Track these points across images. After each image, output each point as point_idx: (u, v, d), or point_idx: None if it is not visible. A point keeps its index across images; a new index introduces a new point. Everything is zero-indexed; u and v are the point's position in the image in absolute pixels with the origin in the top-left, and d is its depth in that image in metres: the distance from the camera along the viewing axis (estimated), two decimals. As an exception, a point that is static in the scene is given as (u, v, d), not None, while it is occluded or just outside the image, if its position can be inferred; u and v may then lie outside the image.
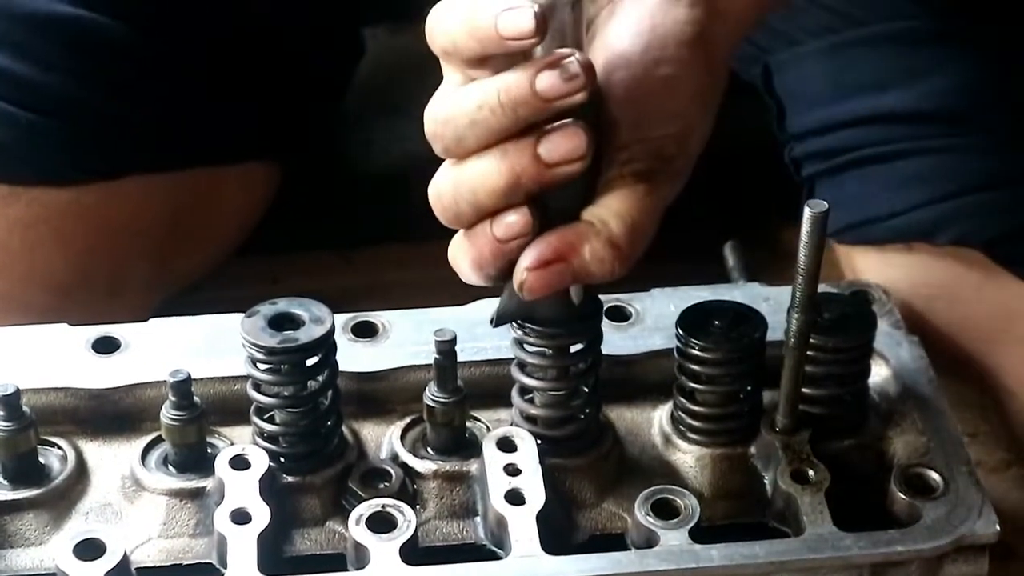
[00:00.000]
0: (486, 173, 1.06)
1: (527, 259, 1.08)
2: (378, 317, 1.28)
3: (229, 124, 1.57)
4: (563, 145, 1.05)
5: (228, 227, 1.63)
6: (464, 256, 1.10)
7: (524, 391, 1.20)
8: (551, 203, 1.08)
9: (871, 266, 1.52)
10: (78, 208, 1.48)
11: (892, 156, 1.48)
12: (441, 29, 1.06)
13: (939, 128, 1.46)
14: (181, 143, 1.54)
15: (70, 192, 1.47)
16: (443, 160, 1.09)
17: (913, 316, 1.43)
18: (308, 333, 1.15)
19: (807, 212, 1.09)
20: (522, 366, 1.18)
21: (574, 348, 1.17)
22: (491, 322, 1.15)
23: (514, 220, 1.07)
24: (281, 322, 1.16)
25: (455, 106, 1.06)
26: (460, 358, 1.19)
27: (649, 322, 1.28)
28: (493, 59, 1.05)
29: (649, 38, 1.08)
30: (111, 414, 1.22)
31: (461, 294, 1.26)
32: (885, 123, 1.49)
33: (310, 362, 1.16)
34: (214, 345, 1.25)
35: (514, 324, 1.16)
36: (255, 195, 1.63)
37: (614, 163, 1.08)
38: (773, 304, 1.27)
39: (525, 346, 1.17)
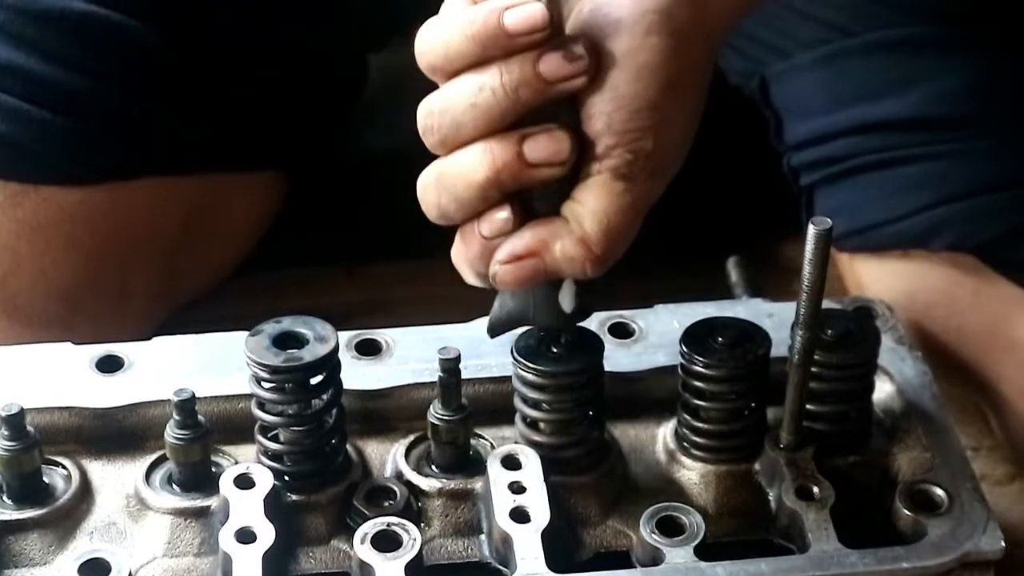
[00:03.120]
0: (468, 166, 1.07)
1: (500, 253, 1.10)
2: (382, 335, 1.28)
3: (241, 130, 1.57)
4: (547, 147, 1.06)
5: (235, 237, 1.63)
6: (460, 257, 1.11)
7: (525, 416, 1.20)
8: (536, 203, 1.09)
9: (870, 273, 1.52)
10: (87, 210, 1.47)
11: (887, 163, 1.49)
12: (434, 41, 1.06)
13: (933, 135, 1.47)
14: (193, 147, 1.53)
15: (80, 193, 1.46)
16: None
17: (912, 323, 1.43)
18: (312, 352, 1.15)
19: (811, 229, 1.09)
20: (523, 398, 1.19)
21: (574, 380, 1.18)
22: (488, 332, 1.15)
23: (499, 218, 1.09)
24: (285, 341, 1.16)
25: (454, 93, 1.06)
26: (464, 375, 1.19)
27: (653, 339, 1.28)
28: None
29: (619, 27, 1.07)
30: (115, 433, 1.22)
31: (465, 310, 1.26)
32: (880, 131, 1.50)
33: (314, 381, 1.16)
34: (218, 363, 1.25)
35: (514, 360, 1.17)
36: (262, 206, 1.63)
37: (591, 157, 1.08)
38: (777, 320, 1.27)
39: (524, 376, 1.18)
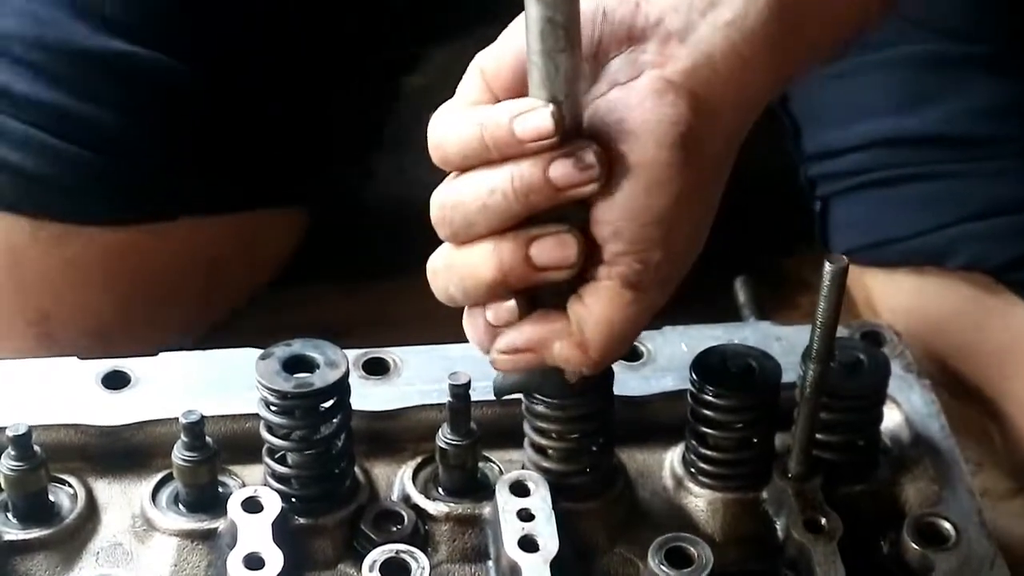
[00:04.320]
0: (477, 265, 1.07)
1: (500, 343, 1.11)
2: (389, 354, 1.27)
3: (271, 168, 1.57)
4: (554, 252, 1.06)
5: (261, 270, 1.63)
6: (468, 331, 1.12)
7: (534, 443, 1.20)
8: (544, 296, 1.10)
9: (882, 288, 1.52)
10: (127, 250, 1.47)
11: (905, 179, 1.49)
12: (449, 136, 1.06)
13: (950, 153, 1.47)
14: (227, 185, 1.54)
15: (122, 233, 1.47)
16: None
17: (922, 339, 1.43)
18: (323, 377, 1.15)
19: (827, 266, 1.09)
20: (532, 426, 1.19)
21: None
22: (494, 394, 1.17)
23: (504, 308, 1.09)
24: (296, 365, 1.15)
25: (466, 191, 1.06)
26: (472, 397, 1.18)
27: (661, 362, 1.28)
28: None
29: (633, 136, 1.04)
30: (121, 451, 1.22)
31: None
32: (899, 146, 1.49)
33: (324, 406, 1.15)
34: (224, 381, 1.24)
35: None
36: (286, 241, 1.63)
37: (600, 261, 1.07)
38: (785, 344, 1.27)
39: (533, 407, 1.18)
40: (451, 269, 1.09)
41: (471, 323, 1.11)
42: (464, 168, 1.06)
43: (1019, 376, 1.45)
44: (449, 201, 1.07)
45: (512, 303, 1.09)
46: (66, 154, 1.43)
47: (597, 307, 1.07)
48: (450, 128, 1.06)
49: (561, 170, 1.04)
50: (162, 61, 1.46)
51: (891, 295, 1.51)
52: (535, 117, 1.03)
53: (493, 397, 1.22)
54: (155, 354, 1.26)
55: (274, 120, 1.55)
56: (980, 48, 1.49)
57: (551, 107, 1.02)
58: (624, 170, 1.04)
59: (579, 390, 1.14)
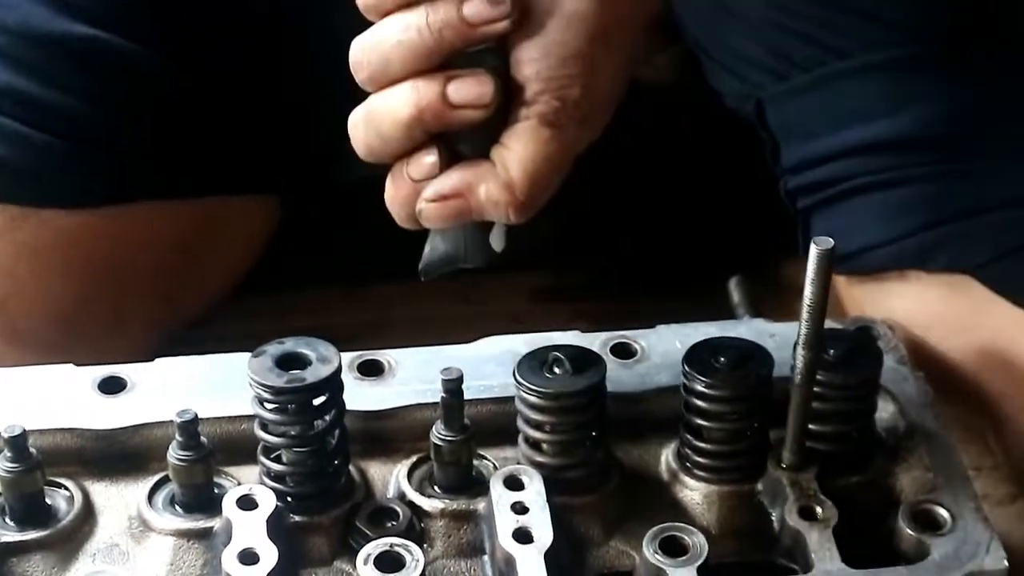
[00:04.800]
0: (394, 104, 1.09)
1: (427, 191, 1.12)
2: (384, 355, 1.28)
3: (236, 154, 1.57)
4: (471, 89, 1.09)
5: (230, 260, 1.63)
6: (391, 199, 1.14)
7: (528, 437, 1.20)
8: (464, 147, 1.12)
9: (869, 295, 1.52)
10: (85, 234, 1.47)
11: (882, 185, 1.49)
12: None
13: (927, 156, 1.47)
14: (189, 170, 1.54)
15: (79, 216, 1.47)
16: None
17: (912, 344, 1.43)
18: (315, 373, 1.15)
19: (813, 249, 1.09)
20: (526, 419, 1.19)
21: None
22: (420, 275, 1.17)
23: (426, 161, 1.11)
24: (288, 362, 1.16)
25: (383, 31, 1.09)
26: (466, 396, 1.19)
27: (655, 359, 1.28)
28: None
29: None
30: (118, 454, 1.22)
31: (466, 330, 1.27)
32: (874, 152, 1.50)
33: (317, 402, 1.16)
34: (220, 384, 1.25)
35: (516, 382, 1.17)
36: (256, 230, 1.63)
37: (520, 103, 1.09)
38: (779, 340, 1.27)
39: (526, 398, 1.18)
40: (370, 115, 1.11)
41: (393, 188, 1.13)
42: (383, 12, 1.09)
43: (1008, 375, 1.45)
44: (368, 43, 1.10)
45: (434, 156, 1.11)
46: (26, 138, 1.43)
47: (518, 146, 1.10)
48: None
49: (474, 6, 1.07)
50: (124, 45, 1.46)
51: (878, 301, 1.51)
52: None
53: (486, 396, 1.24)
54: (123, 351, 1.26)
55: (237, 104, 1.56)
56: (951, 50, 1.49)
57: None
58: (542, 7, 1.07)
59: (500, 256, 1.16)
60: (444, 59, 1.09)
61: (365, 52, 1.10)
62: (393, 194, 1.14)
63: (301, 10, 1.58)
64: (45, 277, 1.47)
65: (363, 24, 1.11)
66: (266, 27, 1.56)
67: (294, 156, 1.63)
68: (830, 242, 1.09)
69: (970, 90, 1.48)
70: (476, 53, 1.10)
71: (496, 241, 1.14)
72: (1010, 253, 1.43)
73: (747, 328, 1.31)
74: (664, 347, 1.29)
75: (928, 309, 1.48)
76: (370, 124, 1.11)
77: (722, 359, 1.20)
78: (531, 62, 1.08)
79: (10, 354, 1.46)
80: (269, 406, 1.16)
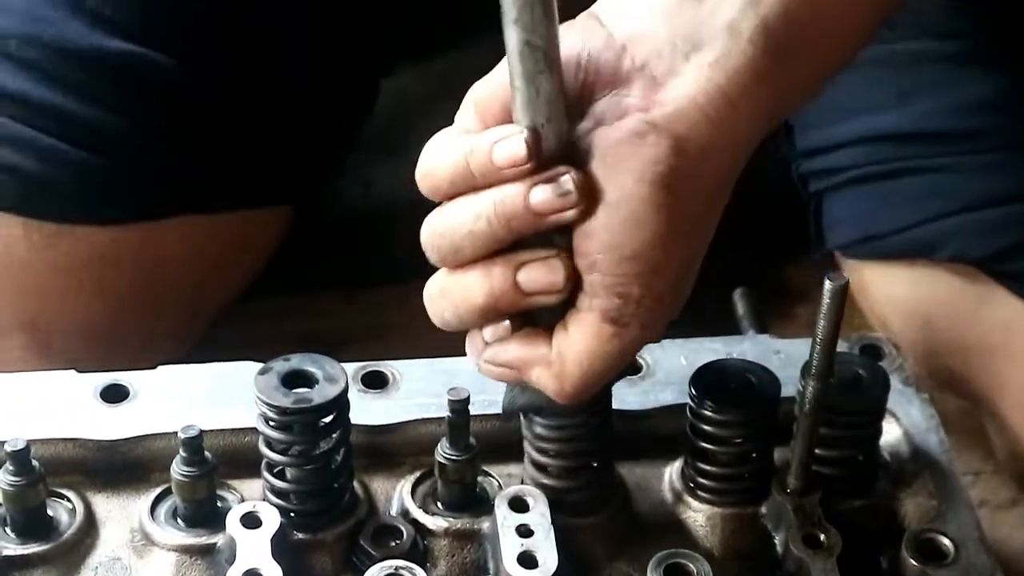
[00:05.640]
0: (469, 290, 1.08)
1: (488, 352, 1.12)
2: (388, 367, 1.27)
3: (262, 166, 1.56)
4: (542, 278, 1.07)
5: (247, 271, 1.62)
6: (469, 349, 1.14)
7: (533, 460, 1.20)
8: (539, 317, 1.10)
9: (877, 279, 1.54)
10: (119, 251, 1.47)
11: (892, 174, 1.50)
12: (437, 164, 1.07)
13: (936, 148, 1.48)
14: (220, 183, 1.53)
15: (112, 232, 1.46)
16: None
17: (917, 330, 1.43)
18: (322, 393, 1.14)
19: (827, 285, 1.09)
20: (532, 444, 1.19)
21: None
22: (503, 416, 1.17)
23: (500, 328, 1.11)
24: (295, 380, 1.15)
25: (453, 217, 1.07)
26: (471, 411, 1.18)
27: (660, 376, 1.28)
28: None
29: (615, 168, 1.05)
30: (120, 465, 1.21)
31: (464, 335, 1.26)
32: (884, 142, 1.51)
33: (323, 421, 1.15)
34: (223, 394, 1.24)
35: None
36: (271, 238, 1.63)
37: (583, 293, 1.08)
38: (784, 358, 1.27)
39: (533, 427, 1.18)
40: (445, 295, 1.10)
41: (471, 341, 1.13)
42: (452, 195, 1.07)
43: (1011, 367, 1.46)
44: (437, 228, 1.08)
45: (507, 322, 1.10)
46: (62, 155, 1.42)
47: (578, 338, 1.08)
48: (439, 155, 1.07)
49: (540, 196, 1.05)
50: (159, 60, 1.45)
51: (885, 285, 1.52)
52: (510, 143, 1.04)
53: (491, 412, 1.23)
54: (153, 366, 1.25)
55: (264, 117, 1.55)
56: (959, 45, 1.50)
57: (525, 133, 1.04)
58: (602, 203, 1.05)
59: (581, 410, 1.15)
60: (516, 241, 1.07)
61: (435, 238, 1.08)
62: (470, 347, 1.13)
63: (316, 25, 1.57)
64: (78, 295, 1.46)
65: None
66: (289, 41, 1.55)
67: (308, 166, 1.62)
68: (845, 278, 1.09)
69: (979, 85, 1.49)
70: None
71: None
72: (1016, 246, 1.44)
73: (752, 344, 1.31)
74: (669, 363, 1.29)
75: (933, 298, 1.49)
76: (445, 303, 1.10)
77: (729, 384, 1.19)
78: (590, 255, 1.06)
79: (44, 370, 1.45)
80: (274, 424, 1.15)
